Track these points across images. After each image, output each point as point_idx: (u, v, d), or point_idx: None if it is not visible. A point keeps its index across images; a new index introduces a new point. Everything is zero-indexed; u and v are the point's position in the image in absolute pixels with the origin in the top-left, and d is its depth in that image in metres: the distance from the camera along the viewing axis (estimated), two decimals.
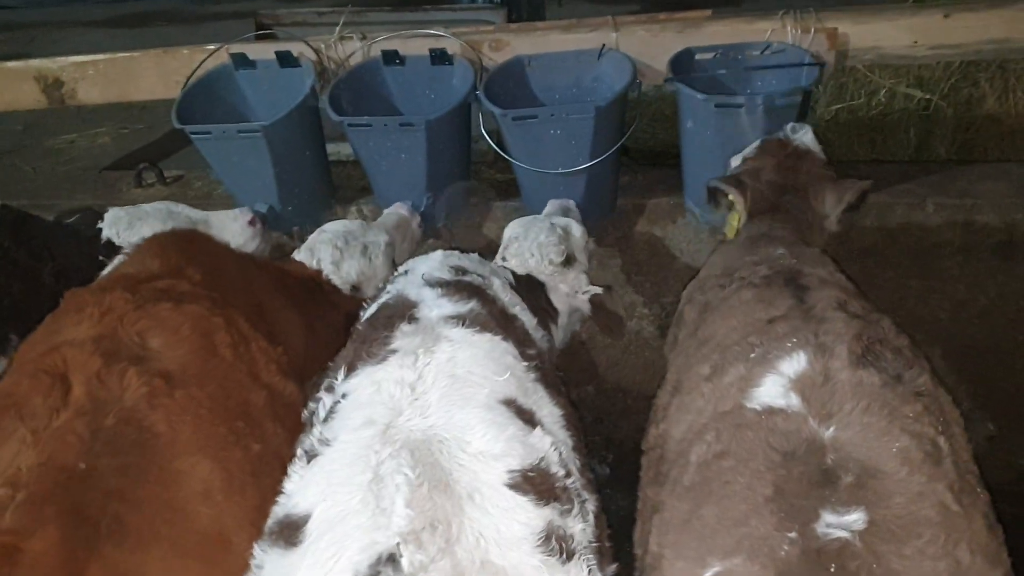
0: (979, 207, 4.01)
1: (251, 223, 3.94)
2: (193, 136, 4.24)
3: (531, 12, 6.62)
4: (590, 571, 1.80)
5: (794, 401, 1.90)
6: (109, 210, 3.74)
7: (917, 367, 2.02)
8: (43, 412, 1.95)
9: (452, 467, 1.83)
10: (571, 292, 3.34)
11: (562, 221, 3.52)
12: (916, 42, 4.09)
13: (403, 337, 2.27)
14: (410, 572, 1.59)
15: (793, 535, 1.63)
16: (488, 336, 2.32)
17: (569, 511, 1.87)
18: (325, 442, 1.98)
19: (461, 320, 2.34)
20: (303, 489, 1.89)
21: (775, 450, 1.80)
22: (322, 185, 4.65)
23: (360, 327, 2.52)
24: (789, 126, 3.26)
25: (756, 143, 3.24)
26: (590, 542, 1.88)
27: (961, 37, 4.02)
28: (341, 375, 2.24)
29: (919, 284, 4.24)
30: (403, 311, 2.41)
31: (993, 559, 1.64)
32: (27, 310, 3.76)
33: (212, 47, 4.70)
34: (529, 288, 3.19)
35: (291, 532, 1.80)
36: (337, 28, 4.63)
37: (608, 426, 4.93)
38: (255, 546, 1.83)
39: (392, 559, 1.61)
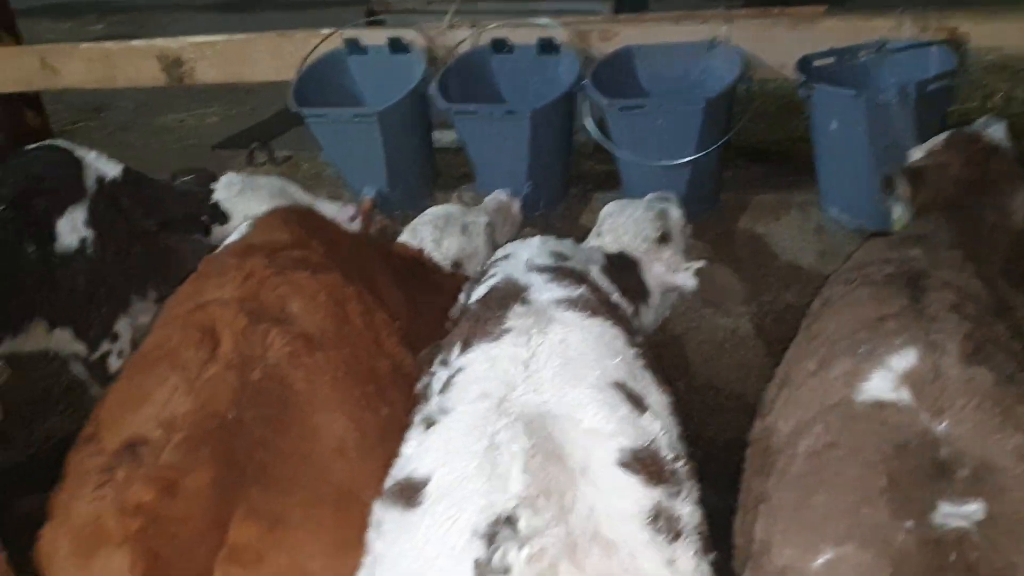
0: None
1: (351, 218, 4.04)
2: (309, 119, 4.37)
3: (635, 4, 6.61)
4: (696, 552, 1.82)
5: (904, 395, 1.88)
6: (226, 174, 3.89)
7: None
8: (194, 363, 2.06)
9: (564, 442, 1.86)
10: (666, 270, 3.30)
11: (660, 203, 3.51)
12: None
13: (516, 318, 2.31)
14: (527, 534, 1.63)
15: (909, 524, 1.63)
16: (599, 320, 2.35)
17: (677, 494, 1.88)
18: (443, 411, 2.04)
19: (572, 304, 2.37)
20: (422, 454, 1.95)
21: (887, 442, 1.79)
22: (427, 170, 4.75)
23: (472, 307, 2.57)
24: (982, 120, 3.15)
25: (943, 136, 3.10)
26: (697, 525, 1.90)
27: None
28: (456, 351, 2.29)
29: None
30: (515, 293, 2.44)
31: None
32: (145, 270, 3.99)
33: (326, 31, 4.83)
34: (622, 267, 3.17)
35: (411, 493, 1.86)
36: (447, 16, 4.71)
37: (697, 423, 4.92)
38: (375, 504, 1.91)
39: (510, 521, 1.65)
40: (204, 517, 1.80)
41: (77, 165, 3.90)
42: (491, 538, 1.65)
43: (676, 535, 1.79)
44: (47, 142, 4.15)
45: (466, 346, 2.27)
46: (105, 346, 3.91)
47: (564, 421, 1.91)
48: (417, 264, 3.43)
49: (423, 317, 3.20)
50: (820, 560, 1.69)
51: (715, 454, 3.71)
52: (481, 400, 2.01)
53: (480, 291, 2.66)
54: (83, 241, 3.80)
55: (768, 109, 5.44)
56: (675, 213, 3.50)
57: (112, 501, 1.83)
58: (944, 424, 1.80)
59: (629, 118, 3.98)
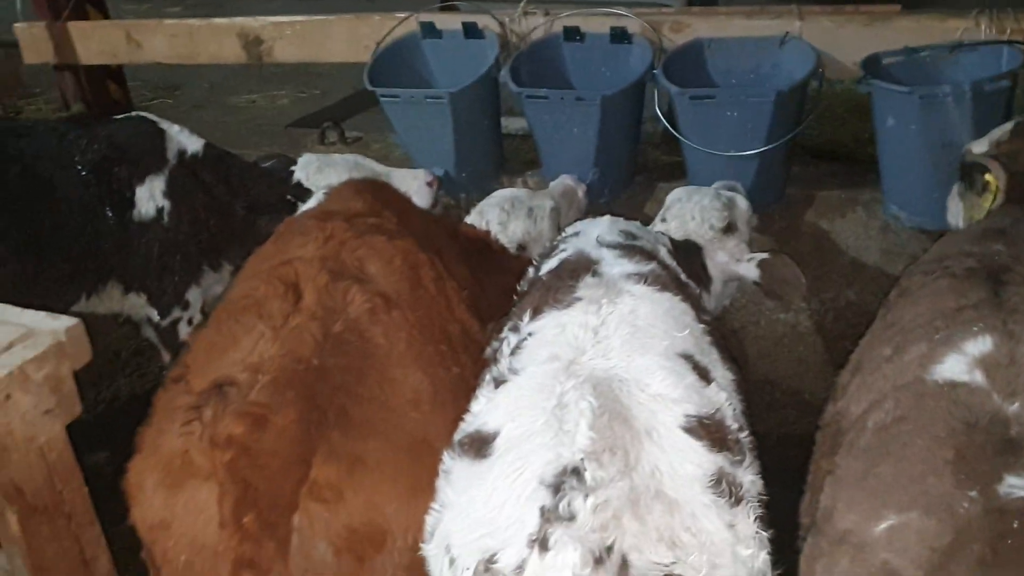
0: None
1: (430, 184, 4.12)
2: (382, 99, 4.47)
3: None
4: (756, 519, 1.86)
5: (978, 377, 1.91)
6: (303, 155, 4.01)
7: None
8: (279, 313, 2.17)
9: (631, 404, 1.92)
10: (729, 260, 3.32)
11: (727, 192, 3.54)
12: None
13: (587, 288, 2.37)
14: (592, 485, 1.69)
15: (974, 494, 1.66)
16: (668, 295, 2.40)
17: (740, 462, 1.93)
18: (513, 371, 2.11)
19: (642, 278, 2.42)
20: (492, 410, 2.02)
21: (956, 419, 1.82)
22: (495, 155, 4.83)
23: (542, 278, 2.63)
24: None
25: (1009, 125, 3.09)
26: (758, 494, 1.94)
27: None
28: (527, 317, 2.36)
29: None
30: (586, 265, 2.50)
31: None
32: (220, 243, 4.12)
33: (402, 15, 4.93)
34: (686, 252, 3.21)
35: (480, 445, 1.93)
36: (521, 3, 4.78)
37: (752, 418, 4.93)
38: (445, 454, 1.99)
39: (576, 472, 1.71)
40: (291, 453, 1.89)
41: (160, 137, 4.04)
42: (557, 487, 1.71)
43: (737, 500, 1.83)
44: (133, 113, 4.29)
45: (536, 313, 2.34)
46: (176, 313, 4.06)
47: (631, 385, 1.96)
48: (483, 244, 3.50)
49: (487, 296, 3.28)
50: (883, 525, 1.73)
51: (770, 448, 3.74)
52: (550, 362, 2.08)
53: (550, 264, 2.72)
54: (160, 210, 3.93)
55: (837, 110, 5.43)
56: (741, 203, 3.52)
57: (200, 436, 1.93)
58: (1016, 405, 1.83)
59: (699, 108, 4.02)
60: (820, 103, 4.26)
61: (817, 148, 5.30)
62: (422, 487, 1.99)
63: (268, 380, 1.97)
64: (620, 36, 4.55)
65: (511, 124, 5.30)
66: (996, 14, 4.00)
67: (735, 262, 3.29)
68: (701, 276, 3.26)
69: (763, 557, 1.85)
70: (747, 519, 1.84)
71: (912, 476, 1.77)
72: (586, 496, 1.69)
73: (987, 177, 3.00)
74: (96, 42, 5.60)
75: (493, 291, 3.29)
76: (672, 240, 3.20)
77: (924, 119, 3.65)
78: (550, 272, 2.63)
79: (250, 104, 7.85)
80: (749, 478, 1.93)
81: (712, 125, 4.04)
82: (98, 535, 2.41)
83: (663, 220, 3.34)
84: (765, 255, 3.25)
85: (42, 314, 2.25)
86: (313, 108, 7.65)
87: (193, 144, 4.07)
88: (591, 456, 1.75)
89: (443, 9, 5.24)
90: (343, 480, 1.95)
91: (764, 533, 1.87)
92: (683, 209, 3.31)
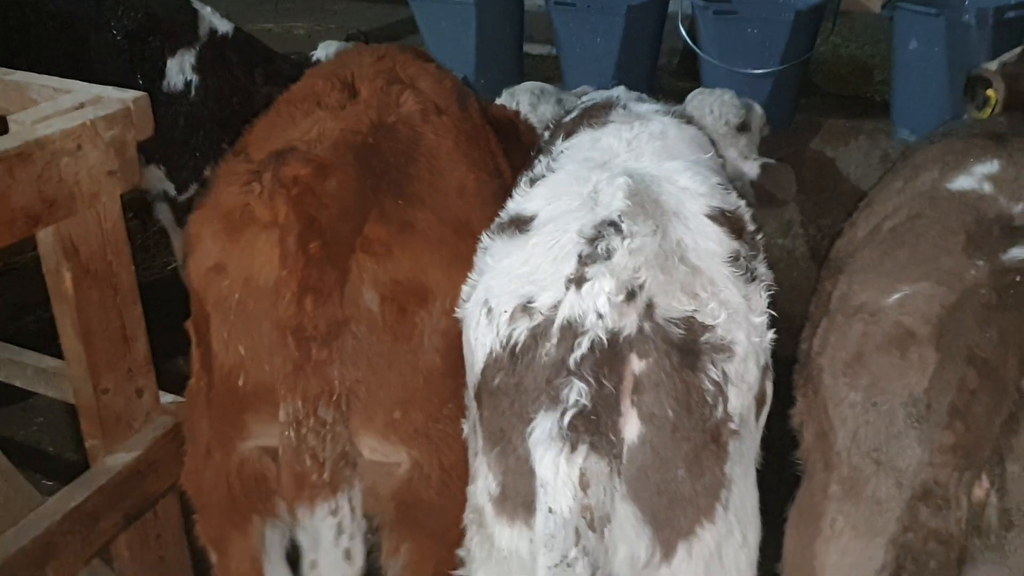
0: None
1: None
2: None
3: None
4: (767, 297, 2.00)
5: (987, 187, 2.07)
6: (323, 42, 4.16)
7: None
8: (336, 103, 2.30)
9: (661, 192, 2.05)
10: (738, 156, 3.48)
11: (746, 98, 3.70)
12: None
13: (619, 115, 2.51)
14: (628, 234, 1.81)
15: (981, 263, 1.81)
16: (692, 128, 2.55)
17: (755, 256, 2.07)
18: (550, 170, 2.25)
19: (668, 113, 2.57)
20: (530, 199, 2.15)
21: (968, 214, 1.98)
22: (515, 68, 4.97)
23: (575, 114, 2.75)
24: None
25: (1019, 49, 3.23)
26: (769, 284, 2.08)
27: None
28: (560, 139, 2.49)
29: None
30: (614, 103, 2.64)
31: None
32: (242, 123, 4.23)
33: None
34: None
35: (520, 223, 2.05)
36: None
37: None
38: (483, 234, 2.11)
39: (614, 224, 1.84)
40: (350, 202, 2.01)
41: (194, 13, 4.16)
42: (595, 238, 1.83)
43: (752, 277, 1.97)
44: None
45: (569, 135, 2.47)
46: (193, 189, 4.16)
47: (662, 180, 2.10)
48: (513, 123, 3.63)
49: (513, 167, 3.42)
50: (896, 296, 1.89)
51: None
52: (586, 162, 2.22)
53: (573, 114, 2.85)
54: (188, 84, 4.04)
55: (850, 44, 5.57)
56: (758, 109, 3.68)
57: (261, 192, 2.05)
58: (1021, 206, 1.99)
59: (720, 24, 4.18)
60: (837, 27, 4.43)
61: (828, 77, 5.44)
62: (463, 259, 2.10)
63: (329, 143, 2.09)
64: None
65: (531, 50, 5.46)
66: None
67: (742, 159, 3.46)
68: None
69: (769, 335, 1.97)
70: (760, 295, 1.96)
71: (925, 256, 1.93)
72: (623, 239, 1.82)
73: (988, 92, 3.18)
74: None
75: (518, 164, 3.43)
76: None
77: (947, 41, 3.81)
78: (581, 109, 2.76)
79: (265, 32, 7.93)
80: (761, 268, 2.06)
81: (732, 42, 4.20)
82: (139, 316, 2.52)
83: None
84: (771, 160, 3.43)
85: (110, 88, 2.37)
86: (329, 38, 7.77)
87: (224, 26, 4.19)
88: (627, 214, 1.88)
89: None
90: (393, 238, 2.06)
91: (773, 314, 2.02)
92: (703, 102, 3.46)
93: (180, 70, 4.05)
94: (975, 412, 1.65)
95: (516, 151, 3.50)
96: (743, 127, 3.50)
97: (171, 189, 4.20)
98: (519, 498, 1.85)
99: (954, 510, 1.66)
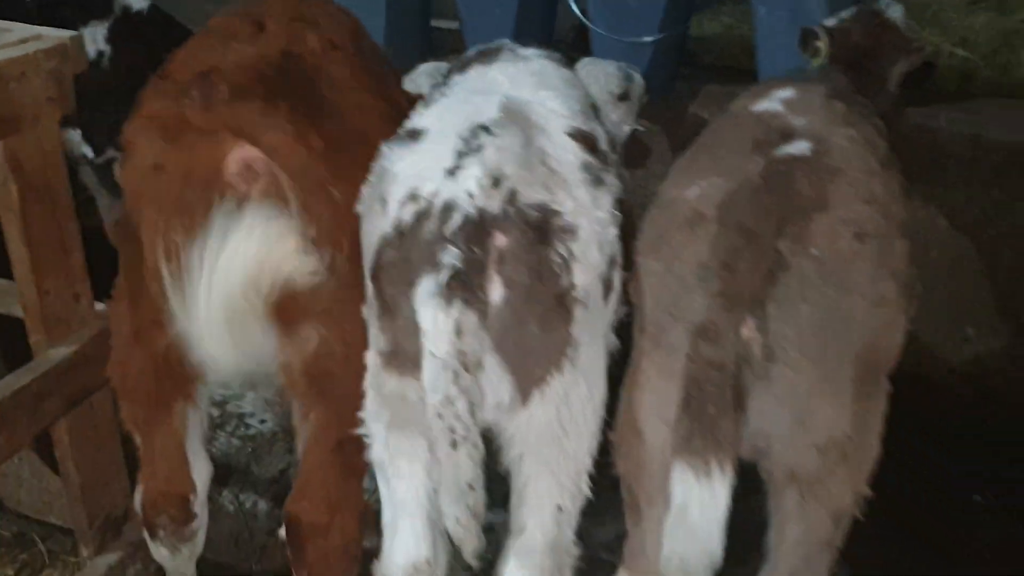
0: (986, 123, 4.62)
1: None
2: None
3: None
4: (613, 202, 2.44)
5: (780, 107, 2.58)
6: None
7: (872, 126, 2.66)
8: (248, 35, 2.64)
9: (531, 111, 2.48)
10: (617, 122, 3.97)
11: (630, 69, 4.19)
12: None
13: (506, 57, 2.93)
14: (497, 133, 2.25)
15: (758, 159, 2.31)
16: (568, 71, 3.00)
17: (604, 168, 2.50)
18: (442, 95, 2.68)
19: (549, 57, 3.00)
20: (423, 117, 2.56)
21: (760, 127, 2.47)
22: (421, 40, 5.39)
23: (470, 54, 3.15)
24: (883, 1, 3.83)
25: (852, 10, 3.73)
26: (617, 195, 2.53)
27: None
28: (455, 74, 2.91)
29: (923, 189, 4.85)
30: (505, 47, 3.05)
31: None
32: None
33: None
34: None
35: (414, 135, 2.45)
36: None
37: None
38: (382, 145, 2.50)
39: (486, 128, 2.27)
40: (260, 114, 2.40)
41: None
42: (470, 138, 2.27)
43: (599, 183, 2.42)
44: None
45: (463, 70, 2.90)
46: (110, 152, 4.42)
47: (534, 103, 2.54)
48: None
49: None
50: (693, 188, 2.38)
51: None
52: (474, 90, 2.66)
53: (470, 53, 3.24)
54: (100, 54, 4.34)
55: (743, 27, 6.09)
56: (638, 79, 4.16)
57: (192, 105, 2.38)
58: (800, 121, 2.50)
59: None
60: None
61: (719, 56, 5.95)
62: (363, 164, 2.48)
63: (245, 67, 2.47)
64: None
65: (441, 24, 5.88)
66: None
67: (621, 125, 3.95)
68: None
69: (614, 231, 2.41)
70: (606, 197, 2.41)
71: (719, 158, 2.43)
72: (493, 138, 2.25)
73: (818, 43, 3.70)
74: None
75: None
76: None
77: (789, 6, 4.34)
78: (473, 53, 3.16)
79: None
80: (610, 179, 2.50)
81: (616, 12, 4.69)
82: (76, 231, 2.90)
83: None
84: (640, 127, 3.91)
85: (49, 28, 2.75)
86: None
87: (139, 3, 4.50)
88: (498, 122, 2.31)
89: None
90: (297, 143, 2.41)
91: (619, 215, 2.46)
92: (590, 72, 3.92)
93: (92, 40, 4.32)
94: (740, 267, 2.14)
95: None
96: (624, 96, 3.97)
97: (88, 152, 4.47)
98: (406, 356, 2.27)
99: (725, 343, 2.14)
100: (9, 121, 2.53)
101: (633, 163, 4.00)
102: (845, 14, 3.80)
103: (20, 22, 4.08)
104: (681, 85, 5.12)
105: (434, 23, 5.76)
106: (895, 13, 3.75)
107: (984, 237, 4.83)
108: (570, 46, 5.57)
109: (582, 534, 2.57)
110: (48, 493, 3.49)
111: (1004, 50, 5.95)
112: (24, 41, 2.62)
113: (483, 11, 4.90)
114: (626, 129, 3.94)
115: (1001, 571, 3.62)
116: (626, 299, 2.52)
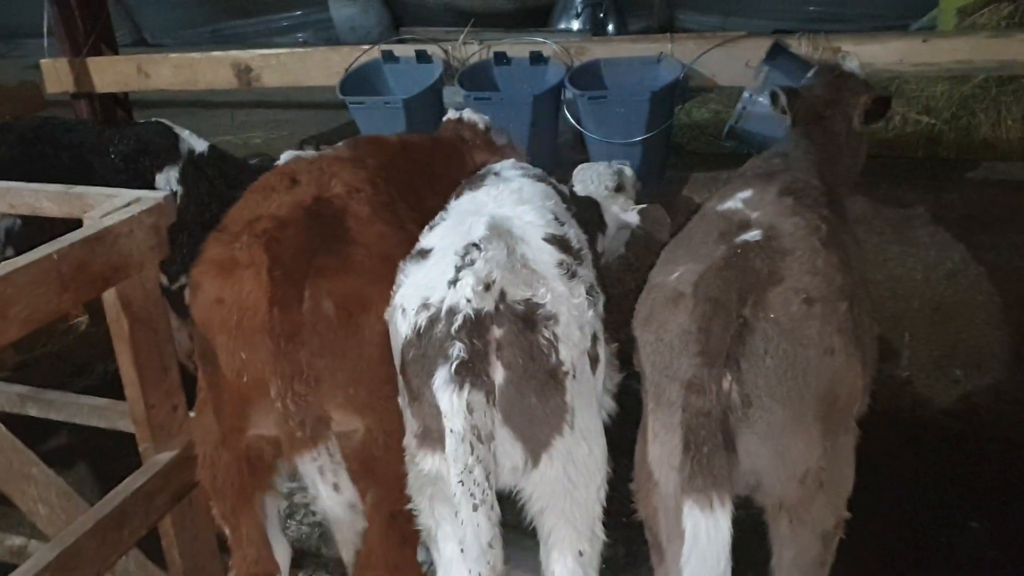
0: (945, 186, 5.19)
1: None
2: (351, 105, 5.72)
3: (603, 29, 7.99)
4: (586, 290, 2.81)
5: (741, 206, 3.14)
6: (285, 152, 5.19)
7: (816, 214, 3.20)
8: (285, 188, 3.14)
9: (512, 225, 2.93)
10: (619, 211, 4.54)
11: (619, 165, 4.80)
12: (901, 60, 5.35)
13: (492, 180, 3.43)
14: (485, 248, 2.65)
15: (722, 247, 2.86)
16: (543, 185, 3.44)
17: (578, 263, 2.89)
18: (442, 219, 3.17)
19: (527, 174, 3.47)
20: (429, 238, 3.00)
21: (724, 222, 3.03)
22: None
23: (464, 183, 3.74)
24: (840, 55, 4.36)
25: (815, 69, 4.26)
26: (592, 284, 2.93)
27: (934, 57, 5.27)
28: (453, 198, 3.43)
29: (899, 249, 5.39)
30: (490, 172, 3.61)
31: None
32: (216, 221, 5.17)
33: (367, 46, 6.22)
34: (587, 205, 4.39)
35: (423, 253, 2.90)
36: (461, 36, 6.11)
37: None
38: (401, 263, 2.83)
39: (476, 245, 2.69)
40: (304, 244, 2.86)
41: (175, 137, 5.20)
42: (465, 253, 2.71)
43: (573, 276, 2.82)
44: (153, 119, 5.45)
45: (459, 196, 3.45)
46: (183, 280, 5.07)
47: (514, 218, 3.02)
48: (455, 147, 4.45)
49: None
50: (674, 274, 2.94)
51: None
52: (466, 212, 3.20)
53: (463, 182, 3.85)
54: (173, 195, 5.03)
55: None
56: (628, 172, 4.77)
57: (241, 245, 2.86)
58: (756, 214, 3.07)
59: (596, 106, 5.34)
60: (686, 100, 5.61)
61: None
62: (388, 280, 2.84)
63: (284, 211, 2.98)
64: (538, 59, 5.90)
65: None
66: (812, 36, 5.40)
67: (623, 212, 4.52)
68: (599, 223, 4.46)
69: (591, 313, 2.76)
70: (579, 287, 2.80)
71: (693, 249, 3.00)
72: (481, 252, 2.59)
73: (781, 101, 4.20)
74: (111, 74, 6.77)
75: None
76: (574, 194, 4.40)
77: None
78: (465, 182, 3.76)
79: (226, 143, 9.02)
80: (584, 271, 2.92)
81: (605, 119, 5.36)
82: (172, 352, 3.49)
83: (571, 185, 4.54)
84: (644, 205, 4.48)
85: (146, 191, 3.39)
86: (283, 146, 8.85)
87: (200, 145, 5.23)
88: (485, 239, 2.76)
89: (399, 41, 6.54)
90: (339, 264, 2.84)
91: (594, 298, 2.87)
92: (585, 175, 4.52)
93: (166, 183, 5.02)
94: (713, 330, 2.67)
95: (459, 169, 4.28)
96: (619, 188, 4.56)
97: (164, 281, 5.03)
98: (434, 434, 2.58)
99: (709, 393, 2.66)
100: (121, 269, 3.13)
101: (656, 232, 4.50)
102: (810, 74, 4.37)
103: (108, 172, 4.93)
104: (670, 172, 5.75)
105: None
106: (851, 64, 4.31)
107: (959, 285, 5.33)
108: (571, 148, 6.24)
109: None
110: None
111: (963, 113, 6.58)
112: (128, 204, 3.25)
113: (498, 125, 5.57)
114: (629, 216, 4.51)
115: None
116: (629, 367, 3.05)
